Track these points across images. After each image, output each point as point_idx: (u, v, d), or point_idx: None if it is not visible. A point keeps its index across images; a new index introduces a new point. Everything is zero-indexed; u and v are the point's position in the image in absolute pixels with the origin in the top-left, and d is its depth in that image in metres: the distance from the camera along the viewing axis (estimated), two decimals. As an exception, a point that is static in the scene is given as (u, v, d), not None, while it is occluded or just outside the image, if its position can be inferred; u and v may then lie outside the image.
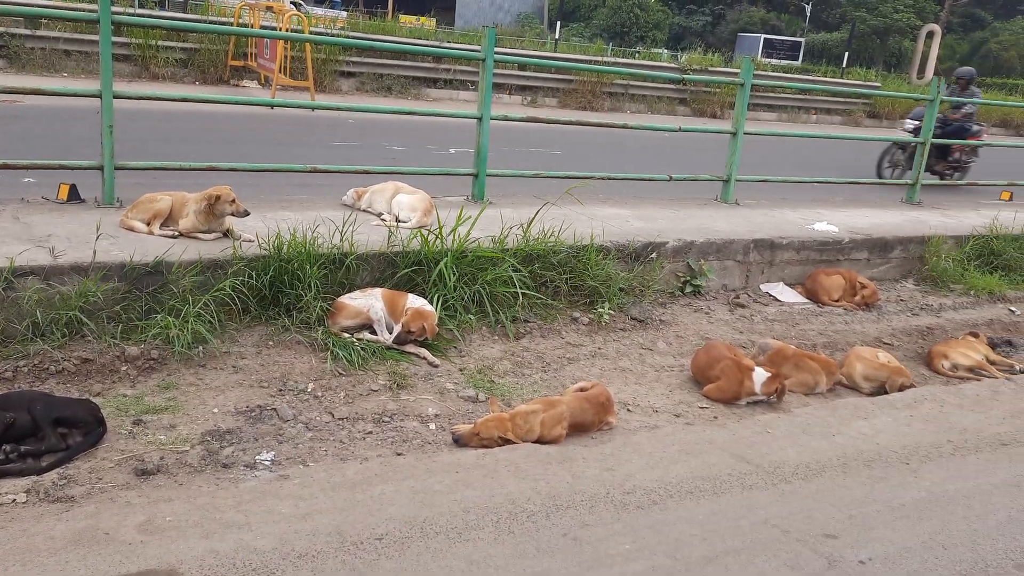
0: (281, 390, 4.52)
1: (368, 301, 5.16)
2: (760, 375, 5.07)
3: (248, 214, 5.48)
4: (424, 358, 5.09)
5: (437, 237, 5.72)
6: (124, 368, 4.46)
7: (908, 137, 11.52)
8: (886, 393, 5.46)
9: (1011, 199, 10.67)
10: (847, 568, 3.32)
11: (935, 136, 10.68)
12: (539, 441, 4.20)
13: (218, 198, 5.33)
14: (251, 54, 17.57)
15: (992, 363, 6.19)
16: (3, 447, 3.56)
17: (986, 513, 3.88)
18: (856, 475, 4.15)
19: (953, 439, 4.69)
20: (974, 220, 8.87)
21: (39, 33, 16.37)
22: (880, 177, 11.98)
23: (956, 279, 7.80)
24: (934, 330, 6.83)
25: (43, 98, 10.09)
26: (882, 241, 7.81)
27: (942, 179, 12.53)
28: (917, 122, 11.31)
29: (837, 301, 7.04)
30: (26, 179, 7.25)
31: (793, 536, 3.52)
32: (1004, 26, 52.82)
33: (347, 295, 5.20)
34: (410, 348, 5.12)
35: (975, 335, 6.49)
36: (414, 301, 5.20)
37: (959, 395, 5.41)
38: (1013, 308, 7.53)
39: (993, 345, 6.54)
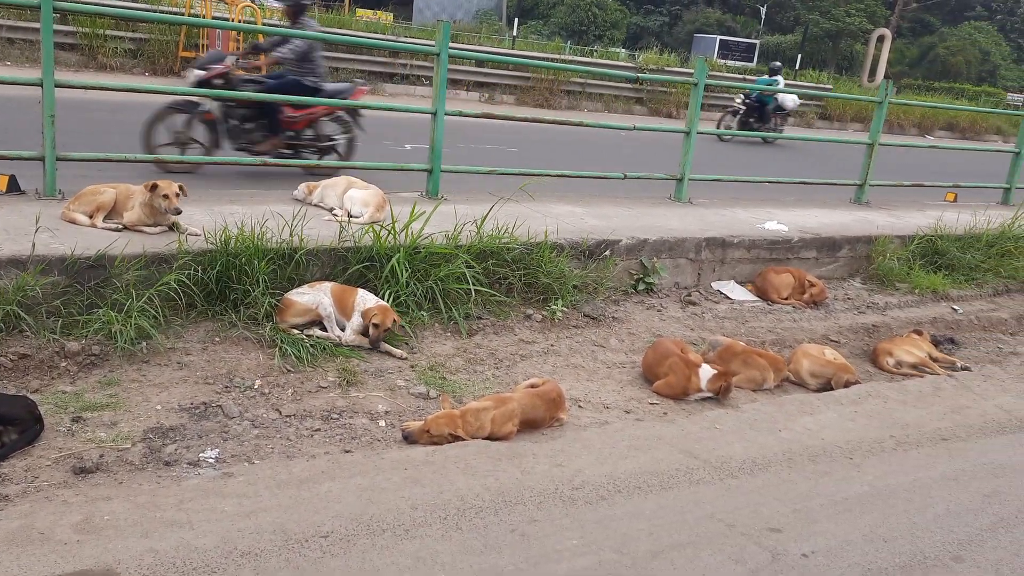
0: (227, 387, 4.45)
1: (317, 297, 5.09)
2: (706, 371, 5.12)
3: (179, 212, 5.25)
4: (390, 352, 5.07)
5: (390, 233, 5.68)
6: (64, 364, 4.34)
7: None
8: (832, 389, 5.56)
9: (955, 200, 10.94)
10: (790, 561, 3.38)
11: None
12: (490, 438, 4.19)
13: (155, 187, 5.20)
14: (203, 45, 17.25)
15: (935, 360, 6.34)
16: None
17: (926, 506, 3.98)
18: (801, 470, 4.22)
19: (896, 434, 4.80)
20: (919, 220, 9.08)
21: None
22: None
23: (901, 278, 7.98)
24: (879, 328, 6.97)
25: (-16, 87, 9.79)
26: (830, 240, 7.96)
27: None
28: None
29: (786, 299, 7.14)
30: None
31: (738, 530, 3.56)
32: (952, 31, 54.18)
33: (295, 291, 5.12)
34: (379, 347, 5.11)
35: (919, 333, 6.64)
36: (365, 297, 5.14)
37: (902, 391, 5.53)
38: (956, 307, 7.72)
39: (936, 343, 6.70)
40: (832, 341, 6.53)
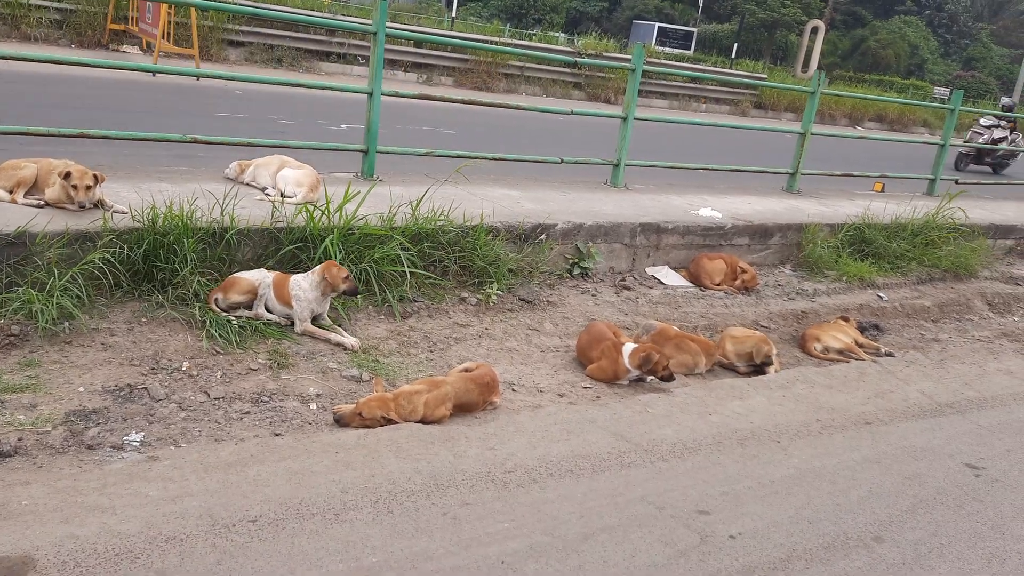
0: (154, 368, 4.33)
1: (260, 276, 5.01)
2: (627, 348, 5.18)
3: (84, 207, 5.03)
4: (340, 344, 5.00)
5: (323, 213, 5.59)
6: (-21, 345, 4.17)
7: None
8: (755, 362, 5.72)
9: (883, 190, 11.28)
10: (718, 543, 3.46)
11: None
12: (423, 421, 4.18)
13: (68, 175, 5.01)
14: (132, 18, 16.67)
15: (861, 346, 6.55)
16: None
17: (849, 488, 4.11)
18: (730, 453, 4.32)
19: (822, 418, 4.94)
20: (848, 209, 9.34)
21: None
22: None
23: (830, 265, 8.20)
24: (808, 314, 7.16)
25: None
26: (762, 228, 8.13)
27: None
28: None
29: (719, 285, 7.28)
30: None
31: (668, 512, 3.63)
32: (883, 25, 55.63)
33: (241, 271, 5.04)
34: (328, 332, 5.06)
35: (846, 319, 6.84)
36: (298, 279, 5.07)
37: (829, 376, 5.70)
38: (881, 294, 7.98)
39: (862, 329, 6.93)
40: (762, 327, 6.69)
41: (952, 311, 8.09)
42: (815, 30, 38.31)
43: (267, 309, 5.04)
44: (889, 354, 6.56)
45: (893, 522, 3.84)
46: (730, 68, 30.76)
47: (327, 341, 5.00)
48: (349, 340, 5.01)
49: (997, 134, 18.97)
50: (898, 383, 5.74)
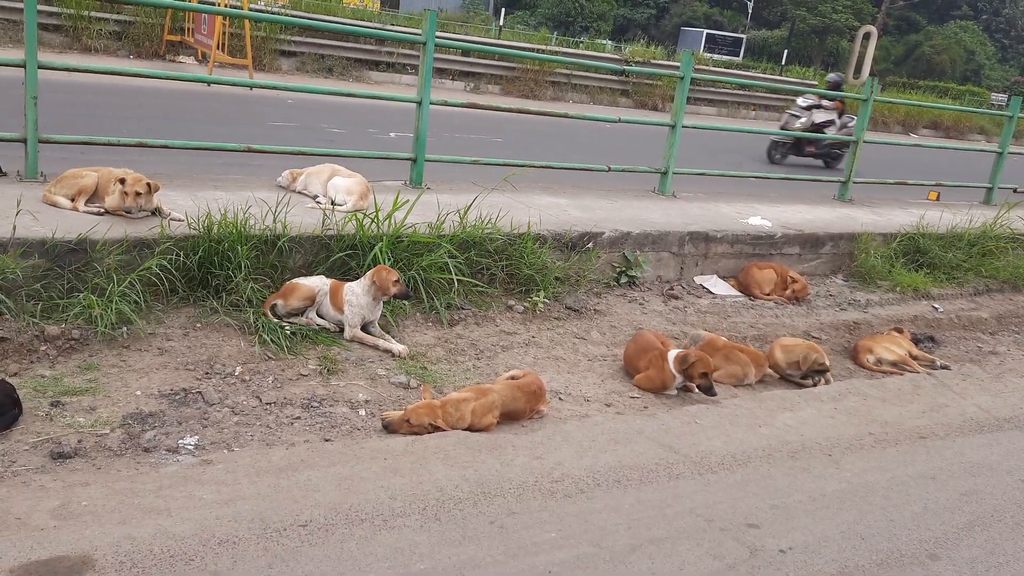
0: (208, 373, 4.42)
1: (319, 283, 5.10)
2: (672, 354, 5.11)
3: (130, 212, 5.16)
4: (389, 350, 5.05)
5: (373, 221, 5.66)
6: (43, 348, 4.30)
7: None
8: (804, 372, 5.63)
9: (938, 199, 11.03)
10: (767, 557, 3.41)
11: None
12: (470, 429, 4.19)
13: (123, 181, 5.14)
14: (188, 29, 17.08)
15: (915, 358, 6.40)
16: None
17: (903, 504, 4.02)
18: (780, 466, 4.26)
19: (875, 432, 4.84)
20: (902, 219, 9.15)
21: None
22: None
23: (883, 276, 8.04)
24: (860, 325, 7.03)
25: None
26: (813, 237, 8.00)
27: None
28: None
29: (768, 295, 7.18)
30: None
31: (716, 525, 3.59)
32: (938, 30, 54.51)
33: (300, 277, 5.14)
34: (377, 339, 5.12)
35: (899, 331, 6.70)
36: (352, 286, 5.13)
37: (882, 389, 5.58)
38: (936, 305, 7.80)
39: (916, 341, 6.77)
40: (813, 337, 6.58)
41: (1010, 323, 7.86)
42: (867, 36, 37.62)
43: (320, 315, 5.11)
44: (945, 367, 6.40)
45: (949, 539, 3.75)
46: (780, 75, 30.38)
47: (375, 348, 5.05)
48: (397, 347, 5.05)
49: (819, 117, 15.20)
50: (954, 397, 5.60)
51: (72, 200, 5.26)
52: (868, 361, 6.26)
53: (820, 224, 8.35)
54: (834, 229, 8.26)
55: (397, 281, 5.06)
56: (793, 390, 5.50)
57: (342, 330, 5.10)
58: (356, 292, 5.05)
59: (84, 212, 5.18)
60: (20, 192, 5.12)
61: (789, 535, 3.59)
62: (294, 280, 5.10)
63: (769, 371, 5.76)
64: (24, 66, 5.49)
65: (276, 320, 4.94)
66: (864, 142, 9.68)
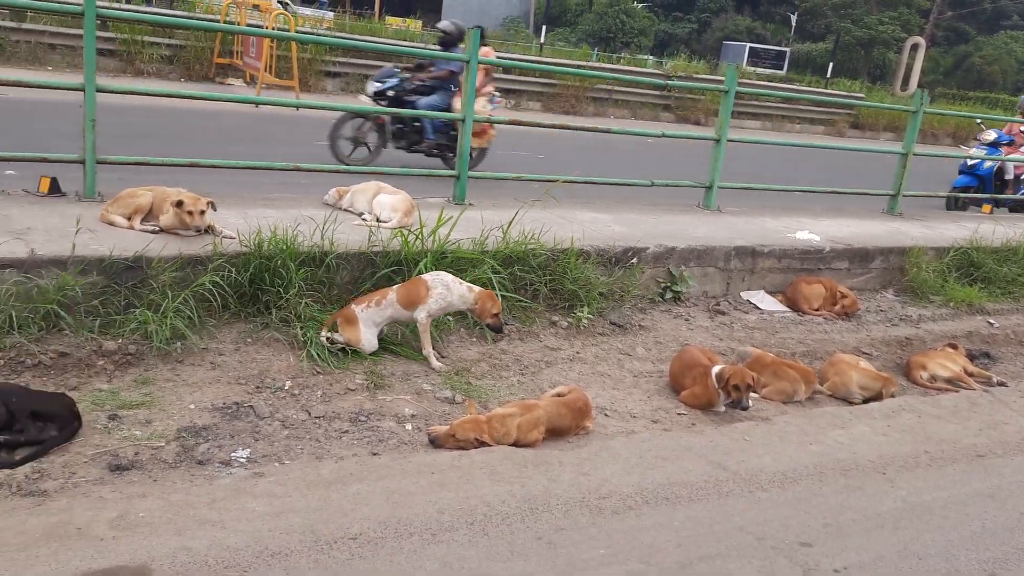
0: (258, 387, 4.50)
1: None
2: (714, 370, 5.04)
3: (199, 231, 5.29)
4: (428, 361, 5.09)
5: (417, 237, 5.72)
6: (101, 363, 4.42)
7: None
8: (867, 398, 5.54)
9: (991, 212, 10.78)
10: None
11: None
12: (516, 444, 4.20)
13: (180, 203, 5.28)
14: (237, 52, 17.48)
15: (970, 375, 6.24)
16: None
17: (961, 523, 3.93)
18: (832, 484, 4.18)
19: (930, 450, 4.74)
20: (954, 232, 8.96)
21: (24, 26, 16.22)
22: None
23: (936, 290, 7.88)
24: (913, 341, 6.89)
25: (26, 91, 9.99)
26: (863, 251, 7.88)
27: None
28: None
29: (817, 310, 7.08)
30: (7, 171, 7.18)
31: (768, 544, 3.54)
32: (988, 40, 53.44)
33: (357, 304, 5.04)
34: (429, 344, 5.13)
35: (954, 346, 6.54)
36: (443, 277, 5.11)
37: (937, 406, 5.46)
38: (992, 320, 7.61)
39: (971, 357, 6.61)
40: (864, 353, 6.46)
41: (1070, 339, 7.63)
42: (915, 47, 37.01)
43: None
44: (1001, 383, 6.23)
45: (1009, 560, 3.65)
46: (825, 87, 30.05)
47: (421, 349, 5.10)
48: (436, 364, 5.09)
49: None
50: (1012, 414, 5.45)
51: (128, 219, 5.40)
52: (921, 378, 6.13)
53: (869, 238, 8.22)
54: (884, 243, 8.12)
55: (497, 315, 5.09)
56: (844, 407, 5.41)
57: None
58: (451, 288, 5.02)
59: (140, 230, 5.32)
60: (79, 211, 5.28)
61: (843, 554, 3.52)
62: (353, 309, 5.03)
63: (819, 388, 5.66)
64: (83, 90, 5.67)
65: (328, 337, 4.96)
66: (913, 155, 9.51)
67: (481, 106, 9.57)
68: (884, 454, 4.60)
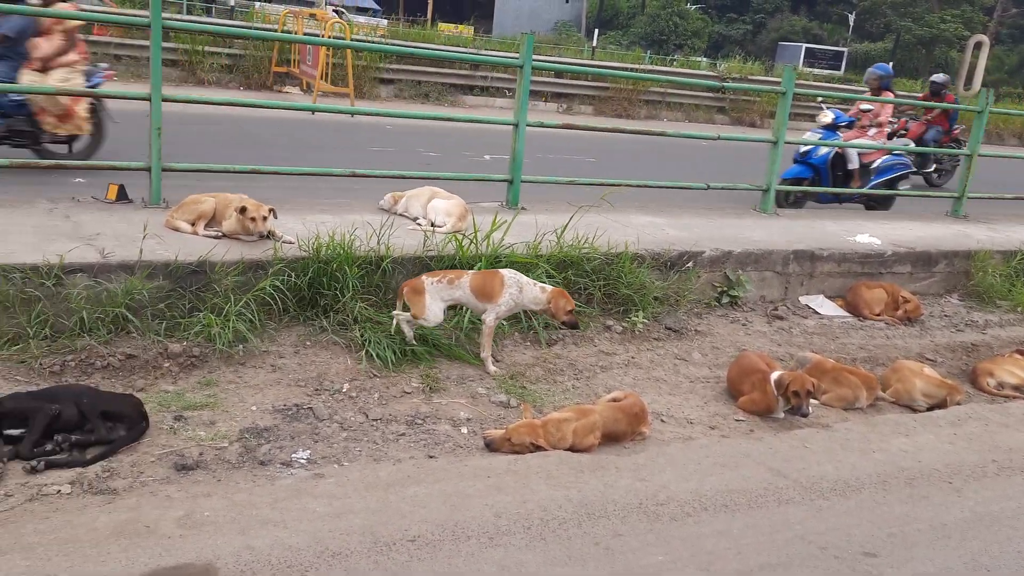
0: (317, 389, 4.57)
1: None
2: (774, 376, 4.96)
3: (263, 236, 5.42)
4: (484, 363, 5.11)
5: (472, 242, 5.75)
6: (166, 365, 4.54)
7: None
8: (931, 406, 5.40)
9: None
10: (885, 586, 3.27)
11: None
12: (571, 449, 4.18)
13: (244, 210, 5.40)
14: (294, 60, 17.80)
15: (1040, 382, 6.03)
16: (55, 438, 3.65)
17: (1031, 534, 3.80)
18: (896, 493, 4.08)
19: (998, 459, 4.59)
20: (1022, 235, 8.68)
21: (91, 38, 16.76)
22: None
23: (1003, 295, 7.64)
24: (979, 347, 6.69)
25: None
26: (926, 255, 7.68)
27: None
28: None
29: (879, 315, 6.92)
30: (76, 179, 7.42)
31: (831, 553, 3.47)
32: (1055, 38, 51.68)
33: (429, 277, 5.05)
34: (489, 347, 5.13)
35: (1022, 352, 6.33)
36: (517, 278, 5.09)
37: (1005, 414, 5.30)
38: (1061, 326, 7.35)
39: (1040, 363, 6.38)
40: (928, 359, 6.29)
41: None
42: (979, 45, 35.84)
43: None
44: (1074, 391, 6.00)
45: (1085, 575, 3.51)
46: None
47: (482, 348, 5.12)
48: (492, 368, 5.10)
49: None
50: (1086, 424, 5.25)
51: (192, 225, 5.54)
52: (988, 385, 5.94)
53: (933, 241, 8.01)
54: (948, 246, 7.91)
55: (571, 311, 5.08)
56: (908, 415, 5.27)
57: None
58: (523, 290, 5.02)
59: (203, 236, 5.46)
60: (145, 218, 5.44)
61: (909, 565, 3.44)
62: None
63: (882, 395, 5.53)
64: (149, 99, 5.84)
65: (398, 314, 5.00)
66: (979, 156, 9.25)
67: (61, 79, 7.67)
68: (950, 463, 4.48)
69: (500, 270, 5.13)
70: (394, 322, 5.04)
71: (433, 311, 4.95)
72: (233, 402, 4.32)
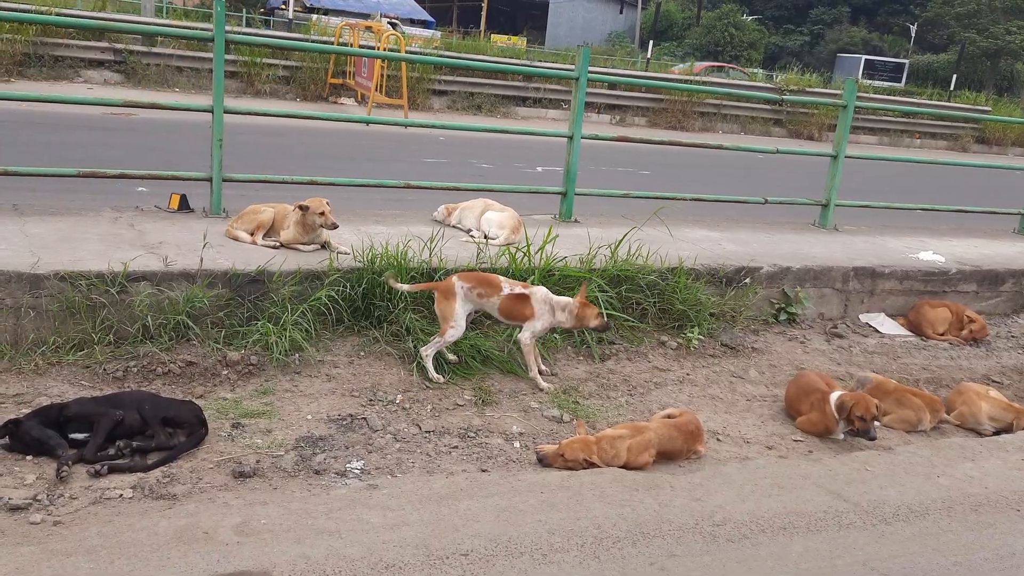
0: (371, 400, 4.60)
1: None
2: (834, 396, 4.83)
3: (336, 227, 5.48)
4: (536, 379, 5.07)
5: (525, 255, 5.74)
6: (225, 372, 4.61)
7: None
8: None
9: None
10: (952, 618, 3.15)
11: None
12: (625, 467, 4.13)
13: (308, 208, 5.46)
14: (349, 72, 18.09)
15: (1113, 407, 5.78)
16: (117, 443, 3.73)
17: (1106, 568, 3.63)
18: (962, 520, 3.95)
19: (1070, 486, 4.41)
20: (1094, 254, 8.36)
21: (155, 50, 17.27)
22: None
23: (1073, 316, 7.36)
24: (1048, 369, 6.45)
25: (156, 112, 10.61)
26: (992, 273, 7.45)
27: None
28: None
29: (942, 335, 6.72)
30: (140, 188, 7.62)
31: (893, 580, 3.36)
32: None
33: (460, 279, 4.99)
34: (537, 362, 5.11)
35: (1094, 376, 6.09)
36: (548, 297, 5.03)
37: (1075, 440, 5.09)
38: None
39: (1114, 388, 6.13)
40: (994, 382, 6.09)
41: None
42: (1046, 56, 34.87)
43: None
44: None
45: None
46: (948, 100, 28.68)
47: (528, 368, 5.09)
48: (543, 384, 5.07)
49: None
50: None
51: (251, 234, 5.64)
52: (1059, 409, 5.71)
53: (1000, 259, 7.76)
54: (1016, 265, 7.65)
55: (600, 314, 5.06)
56: (973, 439, 5.10)
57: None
58: (552, 308, 4.97)
59: (262, 245, 5.55)
60: (205, 227, 5.56)
61: (977, 597, 3.31)
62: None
63: (946, 417, 5.36)
64: (211, 111, 5.97)
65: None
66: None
67: None
68: (1018, 490, 4.31)
69: (528, 292, 4.99)
70: (428, 363, 4.95)
71: (459, 318, 4.86)
72: (289, 411, 4.37)
